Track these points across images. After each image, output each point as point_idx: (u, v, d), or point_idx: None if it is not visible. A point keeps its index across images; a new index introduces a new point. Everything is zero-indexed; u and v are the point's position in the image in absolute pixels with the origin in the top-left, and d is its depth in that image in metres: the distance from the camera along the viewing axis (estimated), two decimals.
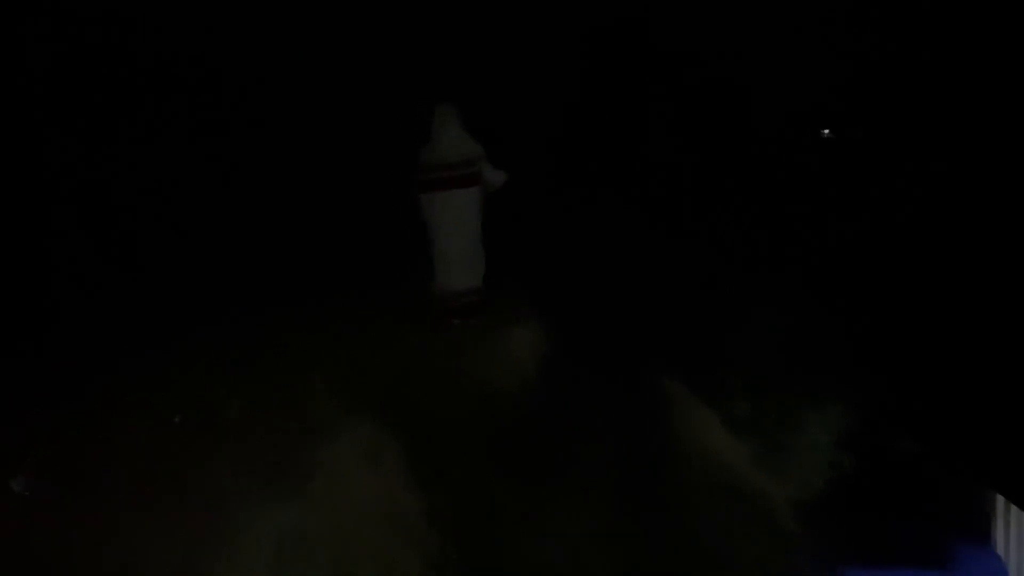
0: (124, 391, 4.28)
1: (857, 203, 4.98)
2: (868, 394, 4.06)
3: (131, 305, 5.29)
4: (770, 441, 3.93)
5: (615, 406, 3.90)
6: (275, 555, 3.32)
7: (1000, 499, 4.03)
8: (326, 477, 3.57)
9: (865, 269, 4.55)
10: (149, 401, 4.18)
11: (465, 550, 3.38)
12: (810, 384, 4.06)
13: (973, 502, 4.14)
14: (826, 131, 6.22)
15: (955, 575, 3.87)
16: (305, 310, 5.01)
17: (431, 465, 3.61)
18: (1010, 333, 3.62)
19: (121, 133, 6.31)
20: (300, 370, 4.25)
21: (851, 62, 5.48)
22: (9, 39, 6.14)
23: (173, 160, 6.17)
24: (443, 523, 3.44)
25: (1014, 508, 3.93)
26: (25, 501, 3.75)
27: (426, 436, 3.74)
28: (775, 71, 6.16)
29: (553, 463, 3.65)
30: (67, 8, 6.20)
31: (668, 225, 5.62)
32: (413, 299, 5.13)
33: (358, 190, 6.07)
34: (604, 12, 6.64)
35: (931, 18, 4.87)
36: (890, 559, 3.77)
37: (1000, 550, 4.05)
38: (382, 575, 3.30)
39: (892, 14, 5.21)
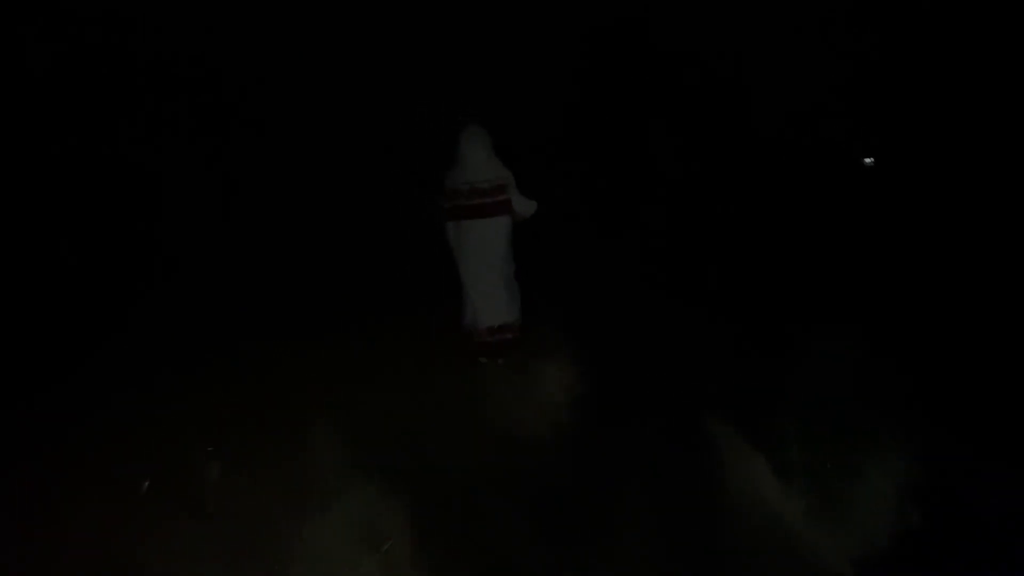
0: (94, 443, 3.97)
1: (918, 246, 4.79)
2: (936, 441, 3.70)
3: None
4: (828, 492, 3.56)
5: (658, 455, 3.62)
6: None
7: None
8: (309, 562, 3.16)
9: (928, 311, 4.25)
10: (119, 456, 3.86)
11: None
12: (871, 430, 3.69)
13: None
14: (869, 159, 6.06)
15: None
16: (310, 345, 4.74)
17: (446, 533, 3.27)
18: None
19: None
20: (297, 421, 3.96)
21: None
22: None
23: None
24: None
25: None
26: None
27: (441, 496, 3.44)
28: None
29: (589, 522, 3.35)
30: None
31: (718, 264, 5.38)
32: (436, 336, 4.89)
33: (377, 215, 5.87)
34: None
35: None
36: None
37: None
38: None
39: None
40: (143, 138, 6.43)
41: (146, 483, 3.62)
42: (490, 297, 4.65)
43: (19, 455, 3.98)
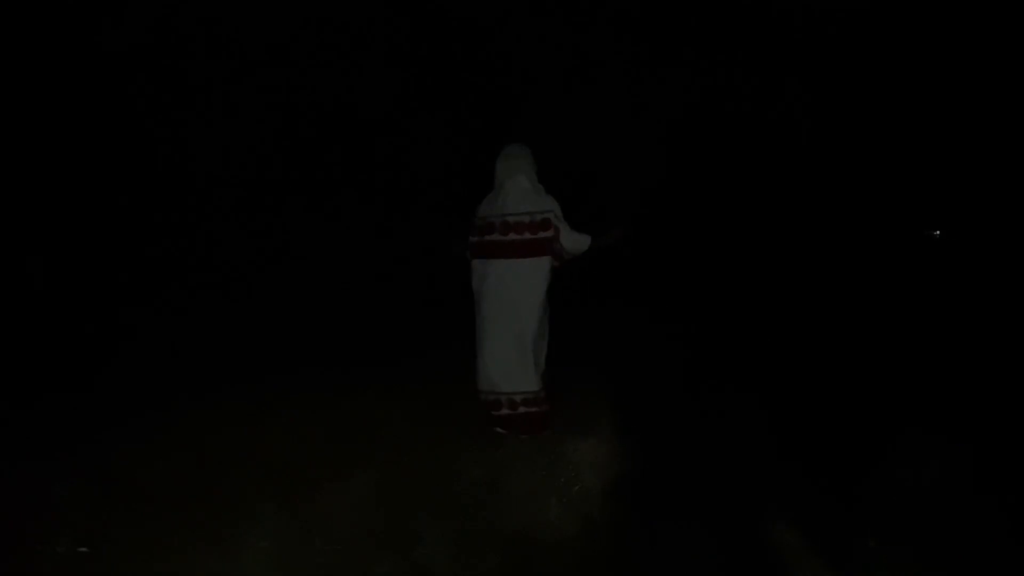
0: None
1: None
2: None
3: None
4: None
5: (708, 558, 2.94)
6: None
7: None
8: None
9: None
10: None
11: None
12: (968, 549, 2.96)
13: None
14: (936, 232, 6.17)
15: None
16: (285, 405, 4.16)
17: None
18: None
19: None
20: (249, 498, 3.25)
21: None
22: None
23: None
24: None
25: None
26: None
27: None
28: None
29: None
30: None
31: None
32: (442, 401, 4.22)
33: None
34: None
35: None
36: None
37: None
38: None
39: None
40: None
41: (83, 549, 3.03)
42: (510, 357, 3.77)
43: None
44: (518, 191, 3.78)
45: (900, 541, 2.98)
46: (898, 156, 6.69)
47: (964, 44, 6.22)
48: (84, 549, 2.97)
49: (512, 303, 3.74)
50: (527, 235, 3.74)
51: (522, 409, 3.80)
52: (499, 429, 3.90)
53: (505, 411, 3.83)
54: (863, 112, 6.84)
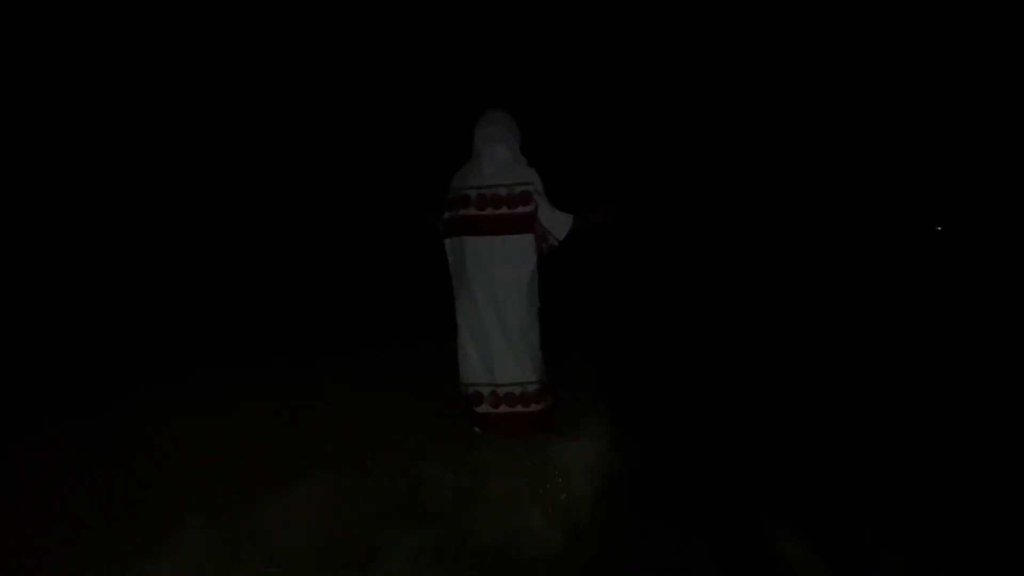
0: None
1: None
2: None
3: None
4: None
5: (707, 566, 2.73)
6: None
7: None
8: None
9: None
10: None
11: None
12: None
13: None
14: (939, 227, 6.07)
15: None
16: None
17: None
18: None
19: None
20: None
21: None
22: None
23: None
24: None
25: None
26: None
27: None
28: None
29: None
30: None
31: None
32: (419, 395, 3.86)
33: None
34: None
35: None
36: None
37: None
38: None
39: None
40: None
41: None
42: (492, 348, 3.41)
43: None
44: (496, 161, 3.41)
45: (908, 547, 2.79)
46: (899, 152, 6.64)
47: (963, 43, 6.18)
48: None
49: (492, 285, 3.39)
50: (504, 209, 3.35)
51: (504, 408, 3.46)
52: (476, 429, 3.55)
53: (486, 408, 3.50)
54: (862, 112, 6.80)
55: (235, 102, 7.05)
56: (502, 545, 2.80)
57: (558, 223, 3.40)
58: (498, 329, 3.41)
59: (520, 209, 3.36)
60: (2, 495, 3.08)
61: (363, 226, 7.09)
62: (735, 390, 4.23)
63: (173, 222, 6.75)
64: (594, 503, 3.08)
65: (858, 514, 3.02)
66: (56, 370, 4.65)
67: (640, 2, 7.19)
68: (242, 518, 2.84)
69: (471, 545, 2.77)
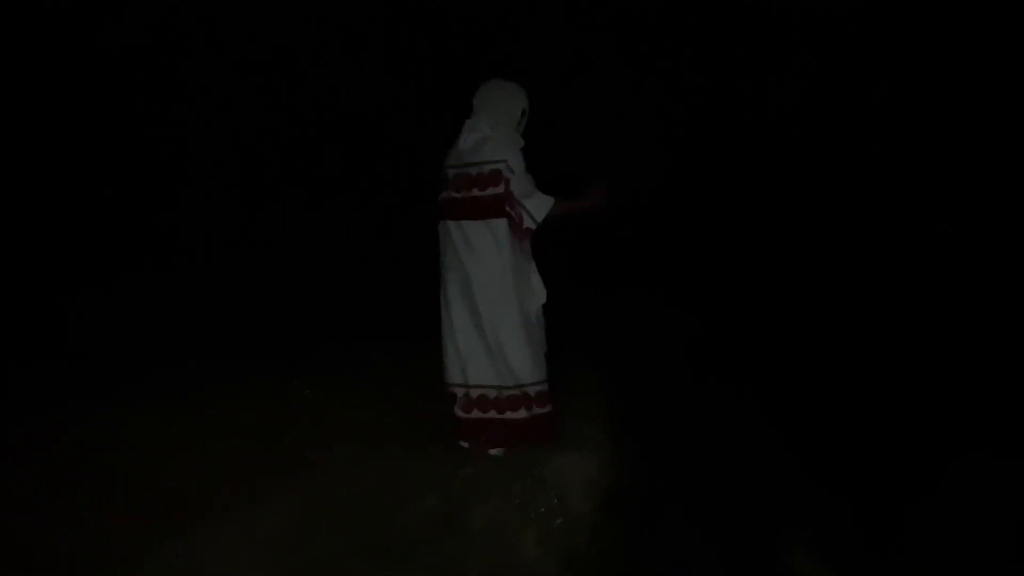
0: None
1: None
2: None
3: None
4: None
5: None
6: None
7: None
8: None
9: None
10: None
11: None
12: None
13: None
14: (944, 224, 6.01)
15: None
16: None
17: None
18: None
19: None
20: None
21: None
22: None
23: None
24: None
25: None
26: None
27: None
28: None
29: None
30: None
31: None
32: (401, 405, 3.53)
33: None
34: None
35: None
36: None
37: None
38: None
39: None
40: None
41: None
42: (471, 343, 3.04)
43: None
44: (474, 136, 3.07)
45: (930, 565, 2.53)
46: (899, 152, 6.62)
47: (963, 43, 6.18)
48: None
49: (464, 276, 3.04)
50: (475, 191, 3.00)
51: (476, 412, 3.07)
52: (463, 443, 3.14)
53: (459, 411, 3.12)
54: (862, 112, 6.79)
55: (235, 102, 7.06)
56: (511, 556, 2.54)
57: (536, 204, 3.02)
58: (469, 324, 3.06)
59: (490, 191, 2.98)
60: None
61: (363, 226, 7.09)
62: (747, 391, 3.89)
63: (173, 222, 6.73)
64: (594, 528, 2.68)
65: (882, 536, 2.76)
66: (40, 367, 4.51)
67: (640, 2, 7.20)
68: (187, 552, 2.44)
69: (475, 558, 2.52)
